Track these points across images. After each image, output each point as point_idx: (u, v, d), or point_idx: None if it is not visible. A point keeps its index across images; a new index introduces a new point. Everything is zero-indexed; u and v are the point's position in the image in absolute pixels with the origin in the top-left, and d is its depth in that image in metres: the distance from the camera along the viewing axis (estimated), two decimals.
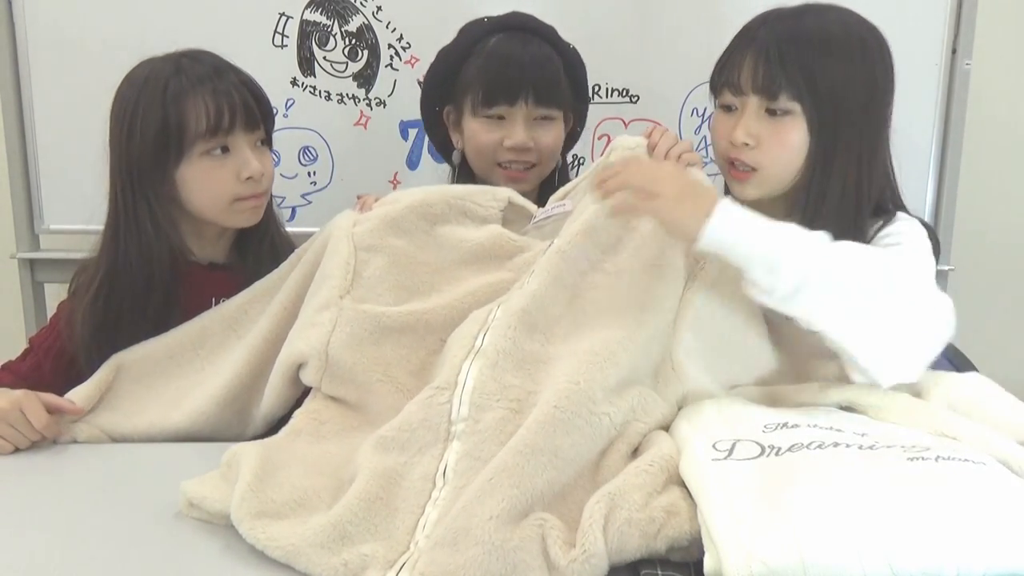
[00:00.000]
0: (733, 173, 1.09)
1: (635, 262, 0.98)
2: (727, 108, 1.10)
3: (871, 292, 0.87)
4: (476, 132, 1.27)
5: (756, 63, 1.04)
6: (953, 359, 1.42)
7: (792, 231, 0.89)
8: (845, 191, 1.05)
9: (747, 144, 1.05)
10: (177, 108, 1.11)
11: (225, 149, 1.15)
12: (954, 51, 1.70)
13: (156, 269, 1.14)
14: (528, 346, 0.91)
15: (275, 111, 1.65)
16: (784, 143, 1.04)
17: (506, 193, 1.14)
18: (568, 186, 1.14)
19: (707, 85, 1.14)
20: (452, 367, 0.90)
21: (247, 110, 1.15)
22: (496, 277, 1.04)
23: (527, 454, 0.80)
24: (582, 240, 0.99)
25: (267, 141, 1.22)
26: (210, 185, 1.15)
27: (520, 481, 0.78)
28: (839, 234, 0.97)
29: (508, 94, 1.23)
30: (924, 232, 1.07)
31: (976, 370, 1.38)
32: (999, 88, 1.83)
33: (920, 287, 0.92)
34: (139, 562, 0.80)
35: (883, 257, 0.95)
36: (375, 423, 0.93)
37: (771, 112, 1.04)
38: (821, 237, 0.90)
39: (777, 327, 1.01)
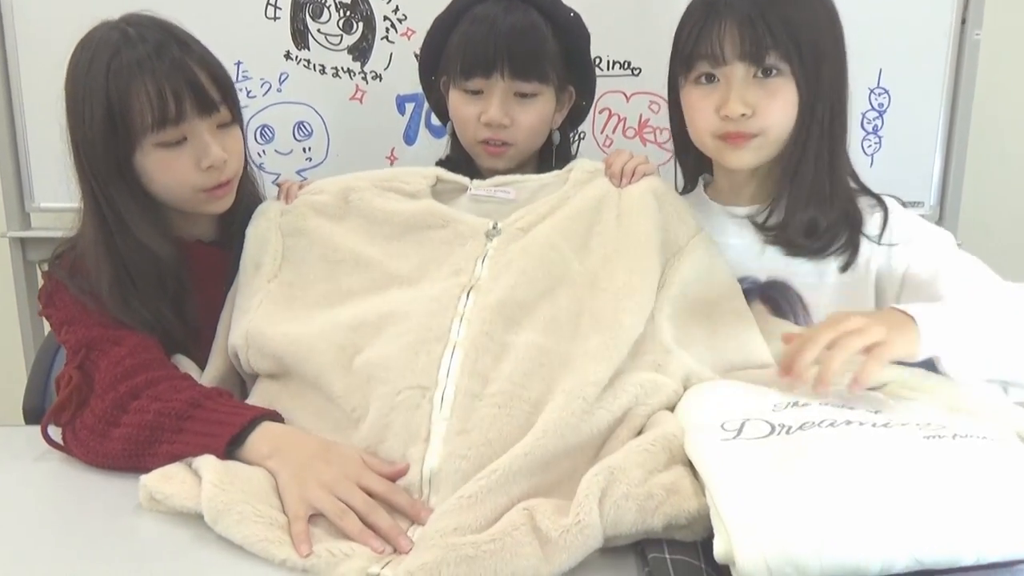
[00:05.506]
0: (732, 141, 1.07)
1: (607, 263, 1.01)
2: (708, 79, 1.07)
3: None
4: (456, 105, 1.23)
5: (739, 29, 1.02)
6: None
7: (973, 311, 0.91)
8: (820, 149, 1.06)
9: (744, 115, 1.04)
10: (120, 95, 1.01)
11: (182, 139, 1.05)
12: (963, 21, 1.65)
13: (160, 255, 1.07)
14: (506, 337, 0.92)
15: (268, 85, 1.67)
16: (783, 103, 1.04)
17: (434, 171, 1.14)
18: (515, 177, 1.14)
19: None
20: (430, 362, 0.90)
21: (198, 93, 1.04)
22: (427, 255, 1.04)
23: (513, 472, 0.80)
24: (557, 239, 1.02)
25: (234, 120, 1.11)
26: (169, 177, 1.06)
27: (509, 489, 0.79)
28: (819, 194, 1.06)
29: (484, 67, 1.17)
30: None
31: None
32: (1010, 59, 1.78)
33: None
34: (107, 555, 0.79)
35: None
36: (307, 391, 0.95)
37: (762, 74, 1.04)
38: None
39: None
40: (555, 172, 1.14)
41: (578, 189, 1.10)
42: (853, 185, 1.11)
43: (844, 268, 1.09)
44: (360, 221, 1.08)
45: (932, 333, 0.84)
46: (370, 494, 0.82)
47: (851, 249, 1.08)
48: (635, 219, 1.04)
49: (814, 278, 1.10)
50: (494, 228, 1.05)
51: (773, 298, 1.11)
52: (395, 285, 1.02)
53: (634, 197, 1.07)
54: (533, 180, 1.13)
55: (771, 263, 1.11)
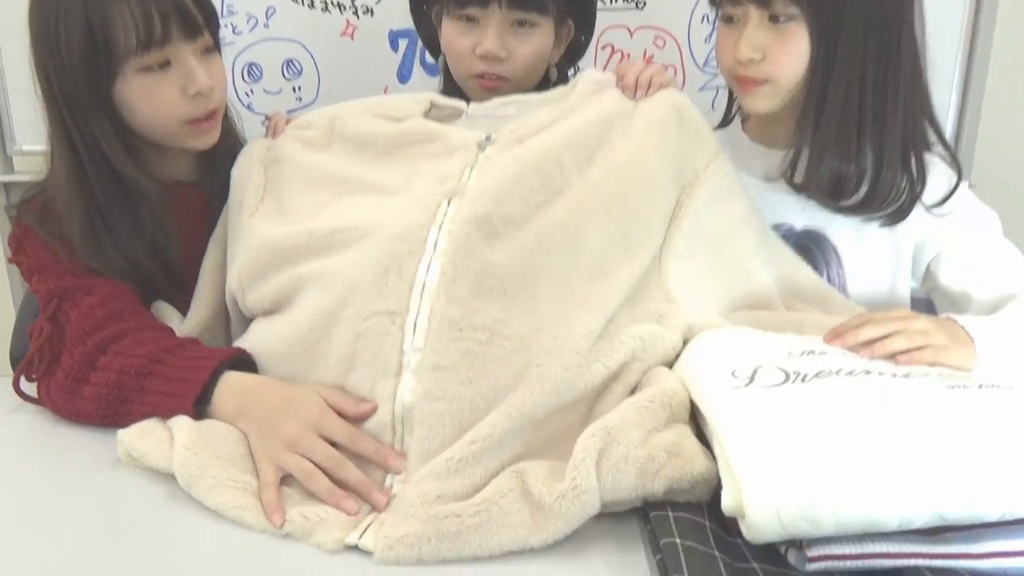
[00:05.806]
0: (743, 86, 1.05)
1: (613, 180, 0.91)
2: (728, 20, 1.05)
3: None
4: (450, 36, 1.17)
5: None
6: None
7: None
8: (846, 104, 1.00)
9: (753, 59, 1.01)
10: (100, 15, 0.94)
11: (166, 63, 0.99)
12: None
13: (146, 191, 1.02)
14: (486, 254, 0.82)
15: (255, 21, 1.60)
16: (791, 50, 1.00)
17: (428, 96, 1.06)
18: (516, 96, 1.05)
19: None
20: (401, 281, 0.81)
21: (183, 14, 0.98)
22: (412, 169, 0.95)
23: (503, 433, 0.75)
24: (560, 149, 0.91)
25: (216, 46, 1.05)
26: (153, 106, 1.00)
27: (500, 452, 0.75)
28: (843, 148, 1.00)
29: None
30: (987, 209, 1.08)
31: None
32: None
33: None
34: (84, 510, 0.77)
35: None
36: (303, 322, 0.87)
37: (774, 19, 1.00)
38: None
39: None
40: (560, 88, 1.06)
41: (584, 100, 1.00)
42: (933, 138, 1.05)
43: (884, 224, 1.05)
44: (346, 146, 1.01)
45: (988, 358, 0.84)
46: (334, 444, 0.78)
47: (902, 213, 1.04)
48: (650, 139, 0.94)
49: (853, 231, 1.07)
50: (487, 139, 0.95)
51: (808, 247, 1.08)
52: (372, 194, 0.94)
53: (651, 113, 0.97)
54: (535, 98, 1.05)
55: (812, 212, 1.07)
